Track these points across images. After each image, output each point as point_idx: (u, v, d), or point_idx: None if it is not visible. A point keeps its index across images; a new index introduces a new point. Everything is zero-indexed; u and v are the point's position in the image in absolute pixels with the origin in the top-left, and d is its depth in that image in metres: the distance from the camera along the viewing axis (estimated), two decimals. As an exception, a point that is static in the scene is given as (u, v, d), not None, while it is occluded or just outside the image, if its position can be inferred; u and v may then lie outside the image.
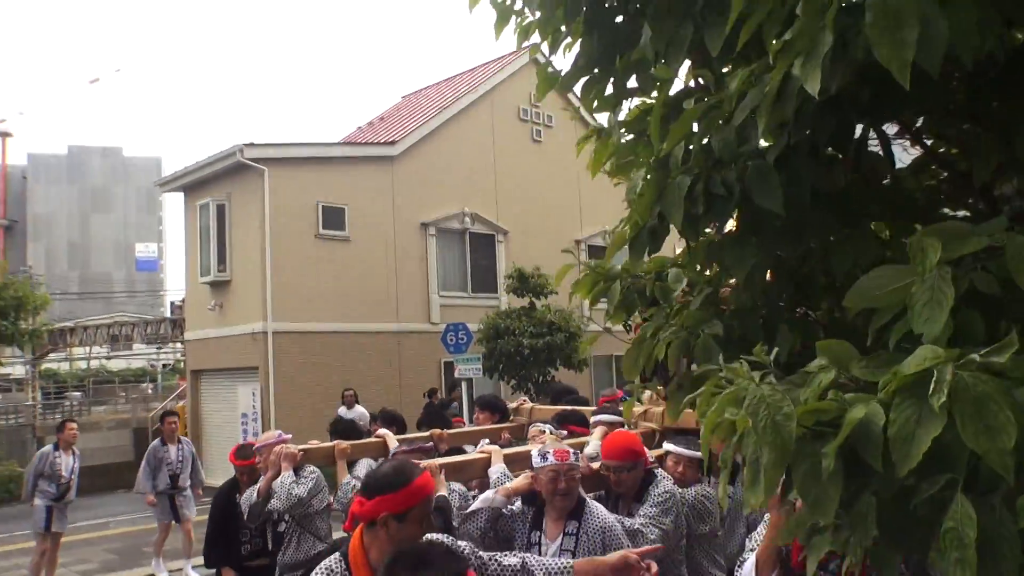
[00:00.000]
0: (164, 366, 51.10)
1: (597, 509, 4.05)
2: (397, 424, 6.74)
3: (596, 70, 2.77)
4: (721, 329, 2.37)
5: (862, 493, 1.47)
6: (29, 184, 74.24)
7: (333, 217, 18.54)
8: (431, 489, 2.88)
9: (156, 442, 9.93)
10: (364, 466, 5.79)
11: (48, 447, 10.14)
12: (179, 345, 49.90)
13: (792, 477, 1.49)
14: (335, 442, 5.65)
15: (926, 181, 2.48)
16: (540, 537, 4.02)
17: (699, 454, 4.65)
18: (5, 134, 58.75)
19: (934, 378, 1.33)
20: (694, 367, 2.44)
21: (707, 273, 2.67)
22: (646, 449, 4.58)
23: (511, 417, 6.62)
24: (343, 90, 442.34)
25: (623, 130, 2.69)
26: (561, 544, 3.93)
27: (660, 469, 4.62)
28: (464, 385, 16.17)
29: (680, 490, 4.55)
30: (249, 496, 5.59)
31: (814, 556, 1.71)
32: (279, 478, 5.26)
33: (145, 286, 72.13)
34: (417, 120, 21.32)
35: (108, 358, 42.51)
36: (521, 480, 4.21)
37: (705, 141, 2.13)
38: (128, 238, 78.08)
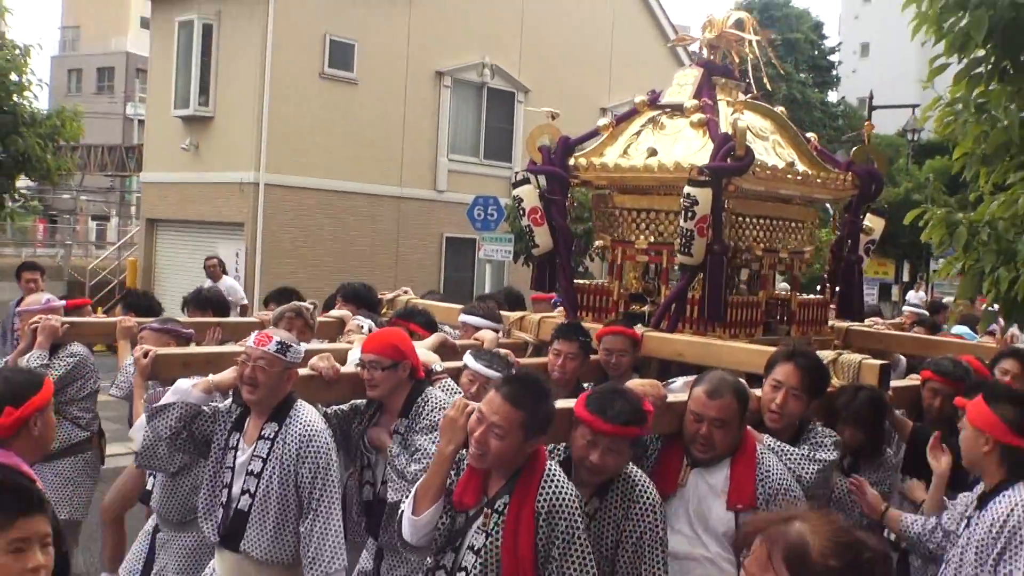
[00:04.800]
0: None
1: (306, 413, 3.58)
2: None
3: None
4: None
5: None
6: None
7: (341, 54, 16.83)
8: None
9: None
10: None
11: None
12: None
13: None
14: (120, 317, 5.04)
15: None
16: (239, 440, 3.62)
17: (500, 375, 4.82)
18: None
19: None
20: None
21: None
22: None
23: (383, 310, 5.98)
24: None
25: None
26: (254, 450, 3.53)
27: (442, 383, 4.20)
28: (488, 269, 14.48)
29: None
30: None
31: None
32: (28, 354, 4.69)
33: None
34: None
35: None
36: (228, 372, 3.64)
37: None
38: None
